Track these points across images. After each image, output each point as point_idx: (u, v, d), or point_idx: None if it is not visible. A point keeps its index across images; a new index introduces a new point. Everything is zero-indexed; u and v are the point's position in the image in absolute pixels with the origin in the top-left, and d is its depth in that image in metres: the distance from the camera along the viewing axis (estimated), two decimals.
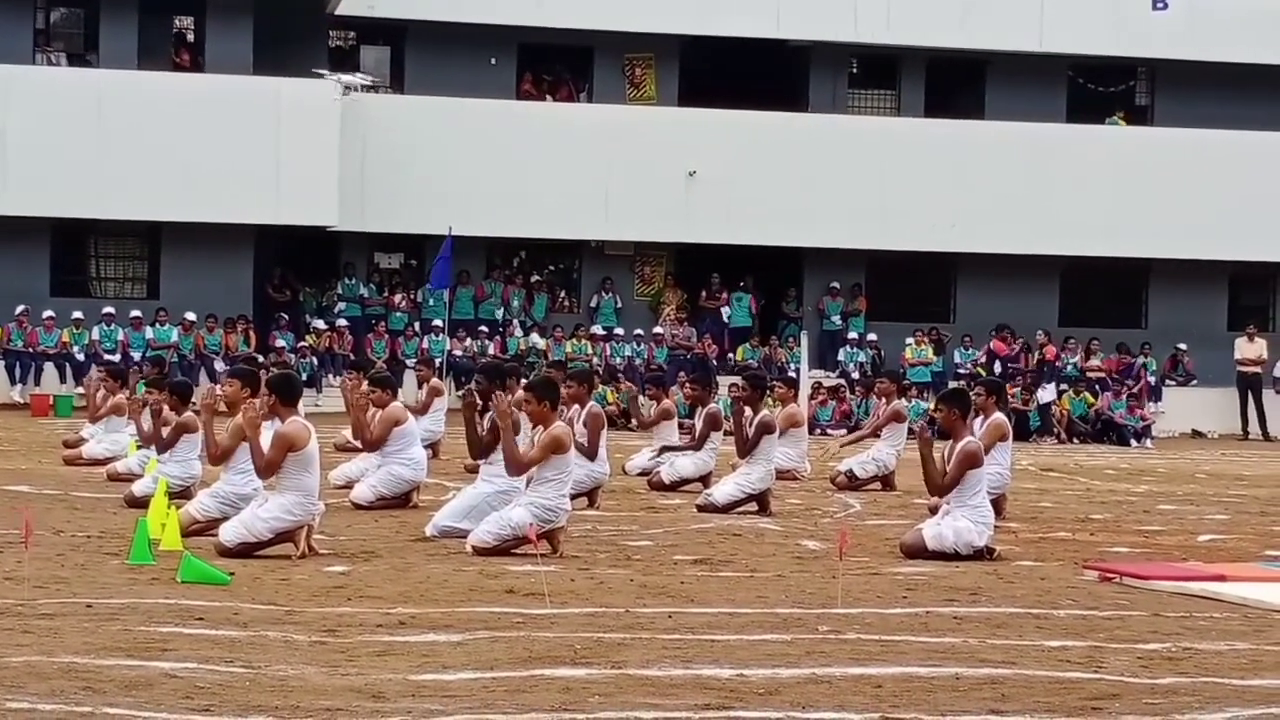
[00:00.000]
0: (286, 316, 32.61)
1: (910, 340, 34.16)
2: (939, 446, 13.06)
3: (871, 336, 34.73)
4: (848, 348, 34.46)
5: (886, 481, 19.38)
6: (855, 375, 33.08)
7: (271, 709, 7.06)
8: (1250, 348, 34.15)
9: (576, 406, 16.29)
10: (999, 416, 15.92)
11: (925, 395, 31.60)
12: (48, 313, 31.08)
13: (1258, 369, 34.11)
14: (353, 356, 30.22)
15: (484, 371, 14.19)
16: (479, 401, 13.48)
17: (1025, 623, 9.85)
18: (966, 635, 9.32)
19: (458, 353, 32.12)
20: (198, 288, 31.64)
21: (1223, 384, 34.73)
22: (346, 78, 32.62)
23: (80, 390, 30.11)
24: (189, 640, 8.54)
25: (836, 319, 35.05)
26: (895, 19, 34.82)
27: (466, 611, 9.72)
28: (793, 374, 29.21)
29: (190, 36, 34.17)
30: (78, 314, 31.18)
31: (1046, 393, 31.95)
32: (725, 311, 34.78)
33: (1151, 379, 34.19)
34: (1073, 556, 13.26)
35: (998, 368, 32.62)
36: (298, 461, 11.92)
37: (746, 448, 16.05)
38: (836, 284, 35.19)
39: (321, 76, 32.38)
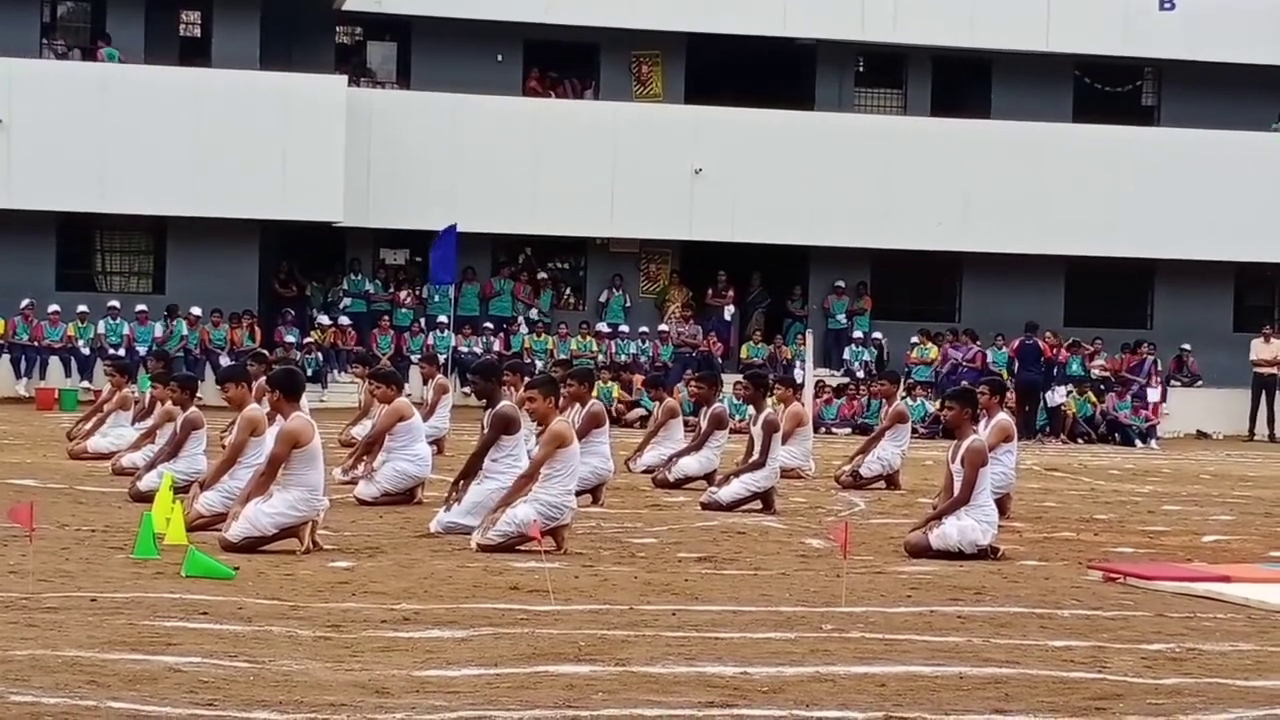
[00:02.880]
0: (292, 312, 32.63)
1: (915, 339, 34.14)
2: (944, 445, 13.04)
3: (877, 335, 34.73)
4: (853, 346, 34.46)
5: (891, 481, 19.36)
6: (860, 374, 33.10)
7: (275, 704, 7.06)
8: (1266, 349, 34.06)
9: (577, 405, 16.28)
10: (1003, 417, 15.93)
11: (930, 394, 31.61)
12: (53, 307, 31.10)
13: (1274, 370, 33.99)
14: (361, 350, 30.25)
15: (479, 371, 14.17)
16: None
17: (1029, 622, 9.85)
18: (970, 634, 9.32)
19: (462, 349, 32.13)
20: (203, 282, 31.64)
21: (1228, 385, 34.70)
22: None
23: (85, 384, 30.18)
24: (193, 635, 8.54)
25: (841, 318, 35.05)
26: (902, 18, 34.79)
27: (470, 608, 9.72)
28: (798, 372, 29.25)
29: (197, 31, 34.23)
30: (83, 308, 31.20)
31: (1056, 395, 31.84)
32: (728, 310, 34.78)
33: (1155, 379, 34.12)
34: (1077, 556, 13.26)
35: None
36: (302, 457, 11.95)
37: (760, 449, 16.04)
38: (841, 282, 35.19)
39: None
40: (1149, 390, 32.61)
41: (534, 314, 33.93)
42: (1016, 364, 31.78)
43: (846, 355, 34.41)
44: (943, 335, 34.38)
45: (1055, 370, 32.48)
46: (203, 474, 15.23)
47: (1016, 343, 32.07)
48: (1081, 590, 11.35)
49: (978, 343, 33.63)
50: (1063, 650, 8.92)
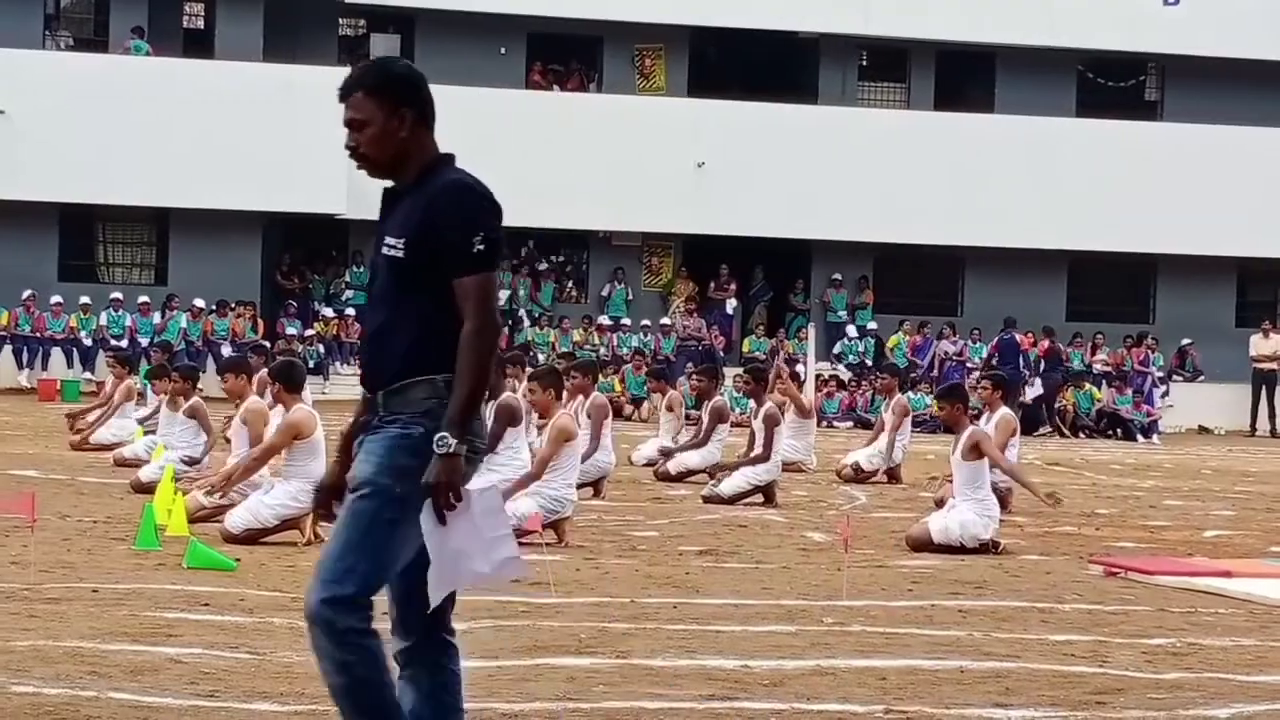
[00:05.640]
0: (294, 304, 32.63)
1: (898, 333, 34.17)
2: (943, 440, 13.05)
3: (871, 326, 34.71)
4: (845, 340, 34.42)
5: (892, 474, 19.35)
6: (858, 367, 33.10)
7: (276, 695, 7.07)
8: (1266, 344, 34.06)
9: (580, 397, 16.29)
10: (1006, 412, 15.90)
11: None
12: (55, 298, 31.09)
13: (1273, 365, 33.99)
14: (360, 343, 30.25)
15: None
16: None
17: (1030, 616, 9.85)
18: (971, 628, 9.32)
19: None
20: (206, 274, 31.64)
21: (1230, 380, 34.71)
22: None
23: (87, 376, 30.18)
24: (194, 626, 8.55)
25: (842, 312, 35.03)
26: (905, 11, 34.75)
27: (471, 599, 9.68)
28: (800, 367, 29.24)
29: (201, 23, 34.24)
30: (85, 299, 31.19)
31: (1033, 389, 31.94)
32: (730, 304, 34.77)
33: (1159, 373, 34.16)
34: (1078, 551, 13.26)
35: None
36: (304, 448, 11.95)
37: (764, 443, 16.04)
38: (839, 276, 35.17)
39: None
40: (1155, 393, 32.62)
41: (532, 308, 33.89)
42: (995, 360, 31.82)
43: (838, 349, 34.29)
44: (924, 325, 34.40)
45: (1043, 364, 32.65)
46: (203, 464, 15.30)
47: (994, 339, 32.14)
48: (1082, 585, 11.35)
49: (953, 337, 33.82)
50: (1063, 644, 8.92)
